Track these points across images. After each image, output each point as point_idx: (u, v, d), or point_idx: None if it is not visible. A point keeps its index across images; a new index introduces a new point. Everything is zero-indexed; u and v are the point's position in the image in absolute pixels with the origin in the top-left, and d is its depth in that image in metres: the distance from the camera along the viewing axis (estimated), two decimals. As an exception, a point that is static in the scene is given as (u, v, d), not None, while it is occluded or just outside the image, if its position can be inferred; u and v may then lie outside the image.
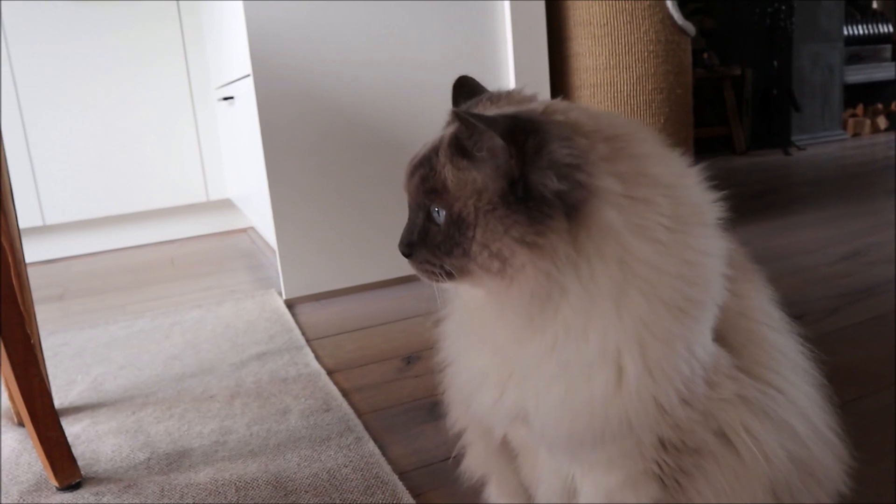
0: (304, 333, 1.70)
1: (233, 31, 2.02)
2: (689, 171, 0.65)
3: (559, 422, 0.62)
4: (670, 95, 2.15)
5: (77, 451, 1.20)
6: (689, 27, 2.14)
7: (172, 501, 1.04)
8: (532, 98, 0.69)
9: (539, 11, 2.08)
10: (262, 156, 1.87)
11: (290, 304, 1.94)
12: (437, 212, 0.62)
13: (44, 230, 2.80)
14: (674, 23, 2.09)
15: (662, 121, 2.14)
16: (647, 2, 2.05)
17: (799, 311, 1.58)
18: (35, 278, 2.54)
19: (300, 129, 1.89)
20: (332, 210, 1.95)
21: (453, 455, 0.87)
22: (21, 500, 1.08)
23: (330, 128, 1.92)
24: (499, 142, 0.57)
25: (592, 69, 2.12)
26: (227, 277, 2.32)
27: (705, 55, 4.17)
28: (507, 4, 2.03)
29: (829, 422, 0.71)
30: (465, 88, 0.75)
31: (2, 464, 1.20)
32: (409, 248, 0.65)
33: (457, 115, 0.61)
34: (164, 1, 2.79)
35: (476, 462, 0.84)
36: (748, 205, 2.79)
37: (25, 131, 2.68)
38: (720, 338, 0.64)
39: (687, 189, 0.62)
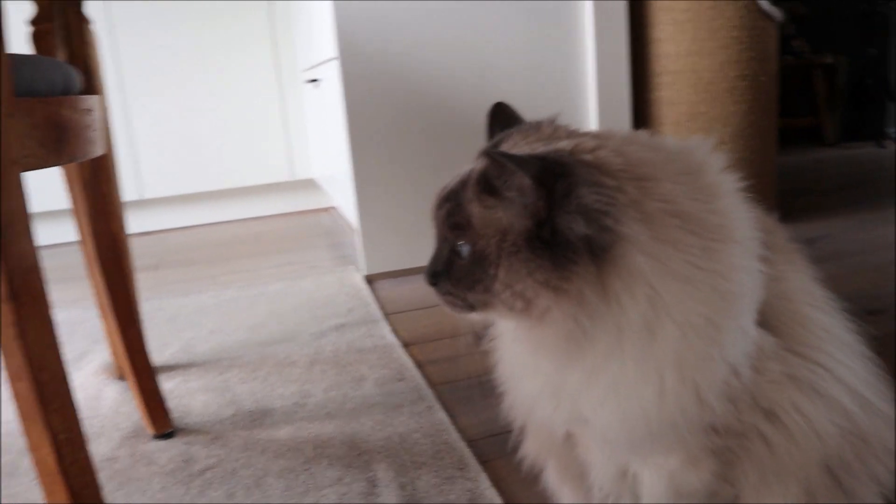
0: (381, 308, 1.76)
1: (320, 14, 2.09)
2: (724, 190, 0.64)
3: (617, 430, 0.64)
4: (754, 83, 2.11)
5: (170, 404, 1.30)
6: (776, 12, 2.09)
7: (255, 453, 1.12)
8: (566, 131, 0.68)
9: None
10: (347, 135, 1.94)
11: (369, 280, 2.01)
12: (462, 246, 0.63)
13: (142, 204, 2.97)
14: (759, 8, 2.05)
15: (745, 109, 2.10)
16: (733, -13, 2.01)
17: (882, 305, 1.54)
18: (133, 248, 2.71)
19: (384, 111, 1.95)
20: (413, 189, 2.01)
21: (510, 445, 0.90)
22: (121, 445, 1.18)
23: (413, 110, 1.97)
24: (528, 183, 0.58)
25: (674, 55, 2.10)
26: (309, 254, 2.42)
27: (795, 42, 4.03)
28: (589, -10, 2.04)
29: (883, 394, 0.71)
30: (501, 116, 0.75)
31: (104, 413, 1.31)
32: (434, 278, 0.66)
33: (488, 155, 0.62)
34: (256, -13, 2.91)
35: (534, 449, 0.87)
36: (835, 197, 2.70)
37: (127, 112, 2.85)
38: (763, 321, 0.65)
39: (719, 214, 0.62)
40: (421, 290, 1.91)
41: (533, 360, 0.69)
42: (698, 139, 0.69)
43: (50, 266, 2.29)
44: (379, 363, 1.43)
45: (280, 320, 1.74)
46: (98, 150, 0.98)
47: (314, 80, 2.45)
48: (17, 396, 0.73)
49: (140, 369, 1.18)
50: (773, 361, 0.65)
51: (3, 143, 0.70)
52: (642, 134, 0.70)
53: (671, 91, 2.13)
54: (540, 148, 0.64)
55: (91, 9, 2.65)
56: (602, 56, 2.07)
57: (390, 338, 1.56)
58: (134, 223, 2.98)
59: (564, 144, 0.63)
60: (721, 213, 0.62)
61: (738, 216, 0.64)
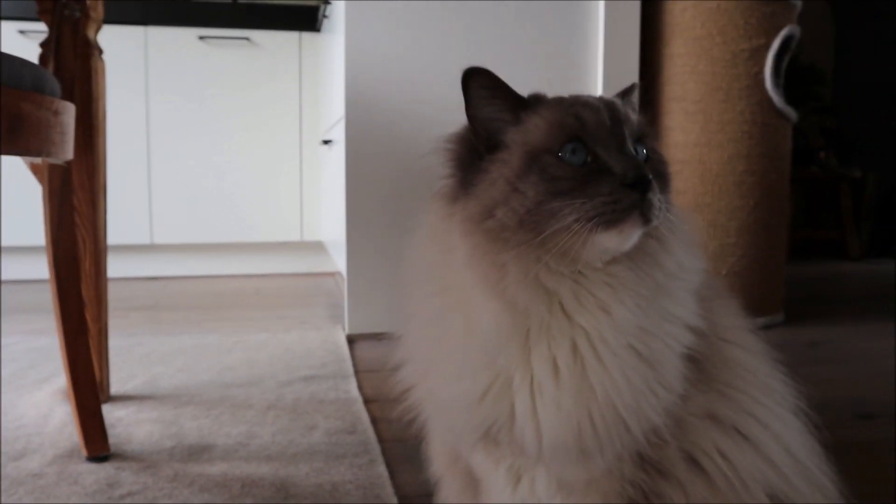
0: (354, 365, 1.73)
1: (336, 75, 2.15)
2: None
3: (566, 424, 0.58)
4: (763, 179, 2.09)
5: (115, 430, 1.27)
6: (790, 112, 2.09)
7: (181, 485, 1.08)
8: None
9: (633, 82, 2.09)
10: (344, 194, 1.96)
11: (351, 339, 1.98)
12: (653, 148, 0.65)
13: (151, 248, 3.01)
14: (772, 105, 2.05)
15: (752, 204, 2.08)
16: (745, 83, 2.02)
17: (873, 410, 1.46)
18: (135, 291, 2.73)
19: (383, 172, 1.97)
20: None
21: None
22: (52, 462, 1.15)
23: (412, 173, 1.98)
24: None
25: (682, 145, 2.10)
26: (302, 311, 2.40)
27: (822, 155, 4.01)
28: (599, 72, 2.07)
29: (811, 452, 0.65)
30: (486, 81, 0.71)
31: (47, 431, 1.28)
32: (648, 182, 0.57)
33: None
34: (287, 51, 3.02)
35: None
36: (846, 307, 2.63)
37: (149, 156, 2.93)
38: (690, 358, 0.61)
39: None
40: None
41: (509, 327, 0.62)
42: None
43: (44, 299, 2.31)
44: (335, 415, 1.39)
45: (251, 366, 1.71)
46: (64, 154, 0.99)
47: (328, 142, 2.50)
48: None
49: (82, 384, 1.16)
50: (697, 392, 0.61)
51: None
52: None
53: (678, 180, 2.12)
54: None
55: (128, 43, 2.77)
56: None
57: (354, 393, 1.52)
58: (140, 267, 3.02)
59: None
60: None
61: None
